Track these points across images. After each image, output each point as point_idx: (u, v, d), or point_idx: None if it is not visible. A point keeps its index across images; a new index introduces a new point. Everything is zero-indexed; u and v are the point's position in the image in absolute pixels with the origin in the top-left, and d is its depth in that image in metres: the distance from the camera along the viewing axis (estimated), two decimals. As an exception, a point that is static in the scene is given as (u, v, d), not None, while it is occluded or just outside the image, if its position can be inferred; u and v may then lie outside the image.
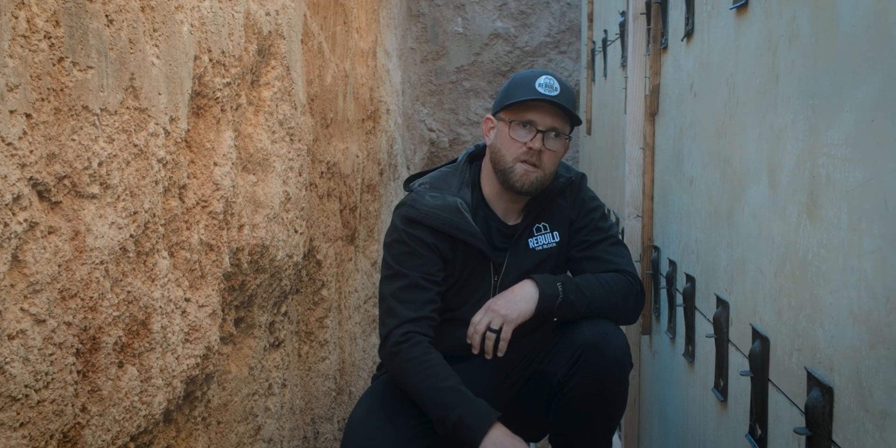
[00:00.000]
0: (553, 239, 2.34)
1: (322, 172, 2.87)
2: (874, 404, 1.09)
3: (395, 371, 2.20)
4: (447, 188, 2.30)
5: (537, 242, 2.33)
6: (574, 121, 2.28)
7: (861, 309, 1.13)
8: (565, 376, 2.18)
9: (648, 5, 2.77)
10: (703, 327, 2.06)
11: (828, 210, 1.26)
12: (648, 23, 2.78)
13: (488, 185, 2.33)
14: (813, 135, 1.32)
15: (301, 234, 2.53)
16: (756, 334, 1.57)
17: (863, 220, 1.14)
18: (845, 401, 1.18)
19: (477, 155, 2.40)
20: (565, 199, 2.35)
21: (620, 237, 2.62)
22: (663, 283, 2.57)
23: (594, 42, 4.88)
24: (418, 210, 2.26)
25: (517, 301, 2.22)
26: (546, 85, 2.22)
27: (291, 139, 2.44)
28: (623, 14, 3.53)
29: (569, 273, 2.40)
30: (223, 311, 2.03)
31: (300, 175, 2.52)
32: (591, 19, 4.93)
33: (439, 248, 2.25)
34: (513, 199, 2.32)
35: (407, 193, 2.35)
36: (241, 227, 2.09)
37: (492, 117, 2.32)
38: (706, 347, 2.01)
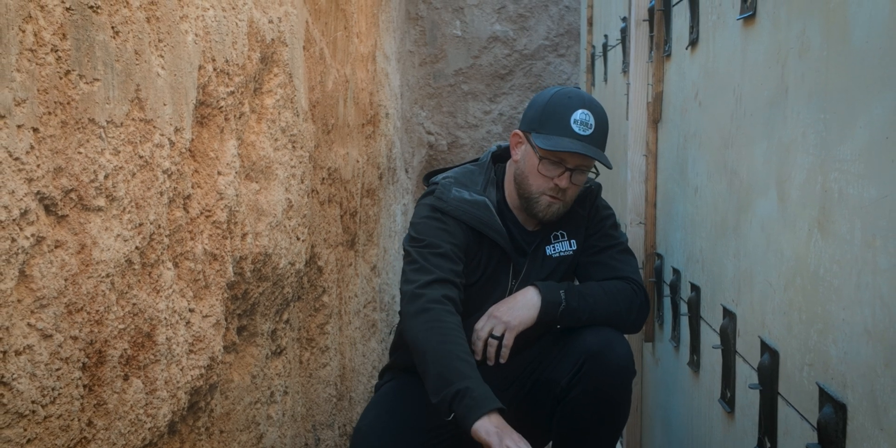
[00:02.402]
0: (570, 246, 2.33)
1: (323, 178, 2.86)
2: (890, 423, 1.08)
3: (419, 325, 2.08)
4: (473, 185, 2.28)
5: (554, 250, 2.31)
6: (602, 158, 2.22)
7: (876, 327, 1.13)
8: (568, 384, 2.17)
9: (651, 12, 2.77)
10: (709, 337, 2.06)
11: (840, 225, 1.25)
12: (651, 30, 2.78)
13: (511, 194, 2.32)
14: (824, 149, 1.31)
15: (303, 241, 2.52)
16: (765, 347, 1.57)
17: (877, 237, 1.13)
18: (859, 418, 1.17)
19: (500, 155, 2.38)
20: (583, 207, 2.34)
21: None
22: (667, 291, 2.56)
23: (594, 46, 4.88)
24: (446, 202, 2.24)
25: (519, 308, 2.21)
26: (581, 122, 2.19)
27: (294, 146, 2.43)
28: (624, 20, 3.52)
29: (575, 278, 2.40)
30: (226, 320, 2.02)
31: (302, 182, 2.51)
32: (590, 24, 4.93)
33: (468, 237, 2.22)
34: None
35: (429, 186, 2.32)
36: (244, 235, 2.08)
37: (520, 133, 2.28)
38: (712, 358, 2.01)
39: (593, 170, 2.27)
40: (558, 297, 2.20)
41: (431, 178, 2.37)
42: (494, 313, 2.22)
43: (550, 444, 2.37)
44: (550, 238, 2.33)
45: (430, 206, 2.25)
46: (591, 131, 2.20)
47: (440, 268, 2.15)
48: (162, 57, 1.62)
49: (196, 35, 1.77)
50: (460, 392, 1.96)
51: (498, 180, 2.33)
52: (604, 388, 2.16)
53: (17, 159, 1.20)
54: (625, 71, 3.53)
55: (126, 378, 1.54)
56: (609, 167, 2.25)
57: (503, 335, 2.20)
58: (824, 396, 1.28)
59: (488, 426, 1.90)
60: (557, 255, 2.32)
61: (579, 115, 2.20)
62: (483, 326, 2.22)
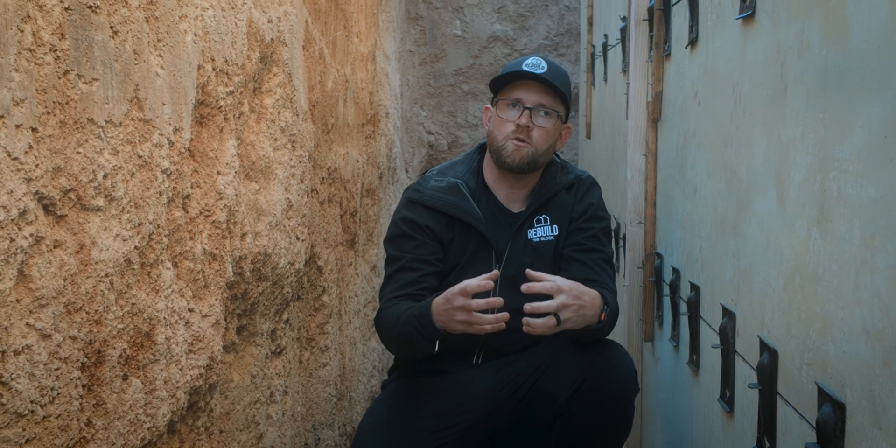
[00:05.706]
0: (552, 232, 2.32)
1: (323, 178, 2.86)
2: (888, 422, 1.08)
3: (383, 330, 2.28)
4: (452, 173, 2.35)
5: (535, 234, 2.31)
6: (565, 101, 2.29)
7: (874, 326, 1.13)
8: (568, 401, 2.11)
9: (651, 11, 2.77)
10: (708, 336, 2.06)
11: (839, 224, 1.25)
12: (651, 29, 2.78)
13: (489, 170, 2.36)
14: (823, 148, 1.31)
15: (303, 241, 2.52)
16: (764, 346, 1.57)
17: (876, 236, 1.13)
18: (858, 417, 1.17)
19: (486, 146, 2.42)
20: (570, 195, 2.34)
21: (620, 245, 2.58)
22: (666, 290, 2.56)
23: (594, 46, 4.88)
24: (421, 193, 2.32)
25: (583, 318, 2.03)
26: (533, 64, 2.26)
27: (293, 146, 2.43)
28: (624, 19, 3.52)
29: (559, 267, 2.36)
30: (226, 319, 2.02)
31: (302, 182, 2.51)
32: (590, 23, 4.93)
33: (432, 229, 2.28)
34: (513, 185, 2.31)
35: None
36: (243, 235, 2.08)
37: (490, 106, 2.35)
38: (711, 357, 2.01)
39: (556, 113, 2.27)
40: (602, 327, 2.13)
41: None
42: (578, 310, 2.01)
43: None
44: (533, 222, 2.32)
45: (405, 202, 2.35)
46: (543, 71, 2.25)
47: (396, 283, 2.29)
48: (161, 57, 1.62)
49: (195, 35, 1.77)
50: (416, 325, 2.11)
51: (479, 166, 2.38)
52: (604, 407, 2.11)
53: (15, 159, 1.20)
54: (625, 70, 3.53)
55: (125, 378, 1.54)
56: (568, 100, 2.29)
57: (557, 316, 1.98)
58: (823, 396, 1.28)
59: (443, 322, 2.06)
60: (538, 239, 2.30)
61: (531, 59, 2.28)
62: (549, 305, 1.98)
